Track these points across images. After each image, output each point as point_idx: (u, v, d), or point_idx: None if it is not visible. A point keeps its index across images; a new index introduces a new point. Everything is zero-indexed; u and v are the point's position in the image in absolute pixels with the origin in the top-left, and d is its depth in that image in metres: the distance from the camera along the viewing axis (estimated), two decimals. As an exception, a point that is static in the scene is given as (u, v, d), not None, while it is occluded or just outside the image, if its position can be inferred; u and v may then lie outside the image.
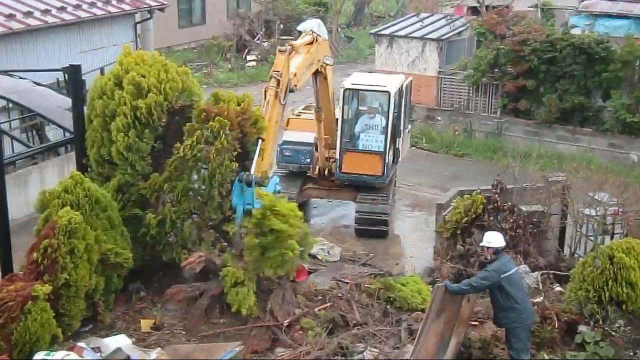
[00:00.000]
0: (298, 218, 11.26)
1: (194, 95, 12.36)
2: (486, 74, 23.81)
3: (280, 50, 13.03)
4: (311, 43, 14.56)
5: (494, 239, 9.96)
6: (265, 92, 12.72)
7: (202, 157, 11.59)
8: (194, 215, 11.96)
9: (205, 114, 11.76)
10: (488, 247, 9.92)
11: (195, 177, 11.79)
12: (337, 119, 16.39)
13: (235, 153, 11.86)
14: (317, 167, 16.66)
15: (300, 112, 17.95)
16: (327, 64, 15.12)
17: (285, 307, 11.07)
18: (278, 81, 12.62)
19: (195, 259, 11.11)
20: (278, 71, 12.68)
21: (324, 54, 15.11)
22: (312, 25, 15.23)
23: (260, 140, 12.03)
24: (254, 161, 11.80)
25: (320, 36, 14.99)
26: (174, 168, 11.63)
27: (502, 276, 9.61)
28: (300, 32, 15.13)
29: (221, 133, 11.60)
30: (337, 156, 16.19)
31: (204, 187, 11.77)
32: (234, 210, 11.50)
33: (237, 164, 11.87)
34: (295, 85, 13.19)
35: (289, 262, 11.07)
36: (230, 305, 10.91)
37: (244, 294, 10.73)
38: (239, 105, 12.17)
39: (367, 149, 16.19)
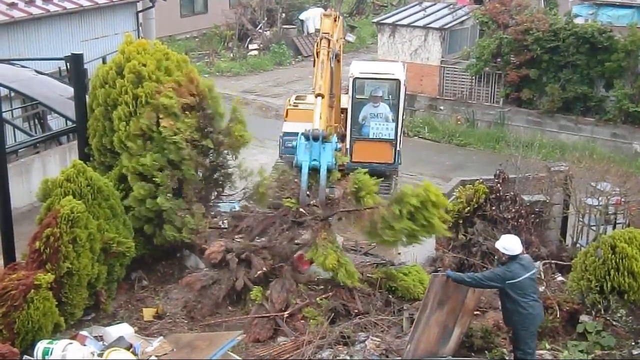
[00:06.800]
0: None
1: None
2: (489, 64, 23.77)
3: (325, 15, 13.51)
4: (335, 21, 14.75)
5: (510, 245, 9.43)
6: (317, 53, 12.82)
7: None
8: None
9: None
10: (503, 254, 9.50)
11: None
12: (344, 108, 16.42)
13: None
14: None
15: (296, 103, 17.90)
16: (348, 41, 15.31)
17: (284, 294, 11.03)
18: (329, 41, 12.73)
19: (217, 248, 11.08)
20: (328, 32, 12.93)
21: (343, 32, 15.33)
22: (314, 14, 15.27)
23: (320, 98, 12.05)
24: (317, 117, 11.81)
25: (340, 16, 15.17)
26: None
27: (506, 282, 9.27)
28: (302, 21, 15.14)
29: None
30: (347, 145, 16.20)
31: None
32: (299, 168, 11.43)
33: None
34: (338, 52, 13.45)
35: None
36: (240, 296, 10.99)
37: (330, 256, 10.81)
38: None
39: (377, 136, 16.22)
